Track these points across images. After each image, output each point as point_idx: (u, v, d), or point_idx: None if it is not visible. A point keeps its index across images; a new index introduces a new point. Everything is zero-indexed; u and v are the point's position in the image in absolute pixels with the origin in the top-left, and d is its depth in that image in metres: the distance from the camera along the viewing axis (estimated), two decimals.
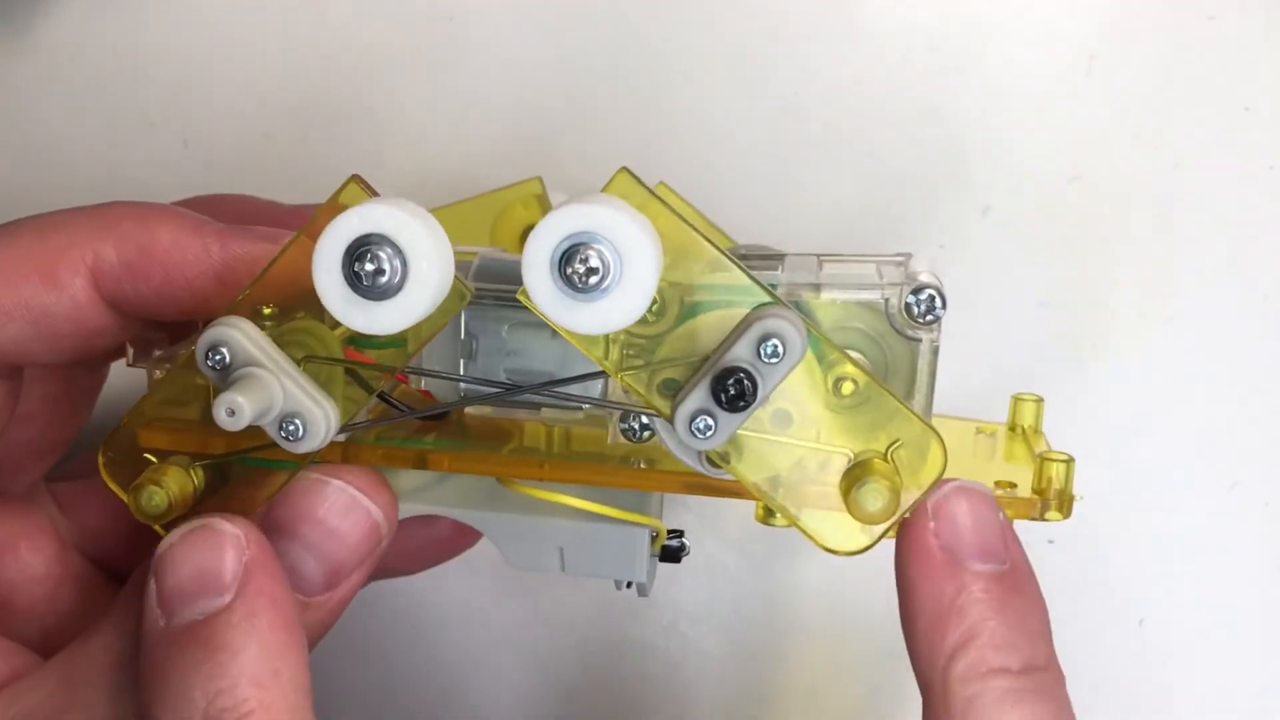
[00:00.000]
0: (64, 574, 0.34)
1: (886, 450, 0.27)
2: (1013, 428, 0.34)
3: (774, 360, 0.25)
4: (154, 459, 0.28)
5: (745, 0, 0.41)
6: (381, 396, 0.28)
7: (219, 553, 0.26)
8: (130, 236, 0.28)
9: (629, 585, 0.32)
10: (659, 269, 0.25)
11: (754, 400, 0.25)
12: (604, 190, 0.25)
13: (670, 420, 0.26)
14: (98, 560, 0.35)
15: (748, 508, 0.42)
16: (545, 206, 0.36)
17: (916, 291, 0.27)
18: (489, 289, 0.28)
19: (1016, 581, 0.27)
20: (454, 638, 0.43)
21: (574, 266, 0.24)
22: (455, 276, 0.26)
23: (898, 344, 0.28)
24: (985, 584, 0.27)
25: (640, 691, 0.43)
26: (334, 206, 0.26)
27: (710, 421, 0.25)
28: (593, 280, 0.24)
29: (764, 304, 0.26)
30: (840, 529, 0.27)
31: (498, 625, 0.43)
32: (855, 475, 0.26)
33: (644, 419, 0.29)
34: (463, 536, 0.36)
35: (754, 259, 0.30)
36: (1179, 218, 0.40)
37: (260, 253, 0.28)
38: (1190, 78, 0.40)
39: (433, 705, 0.44)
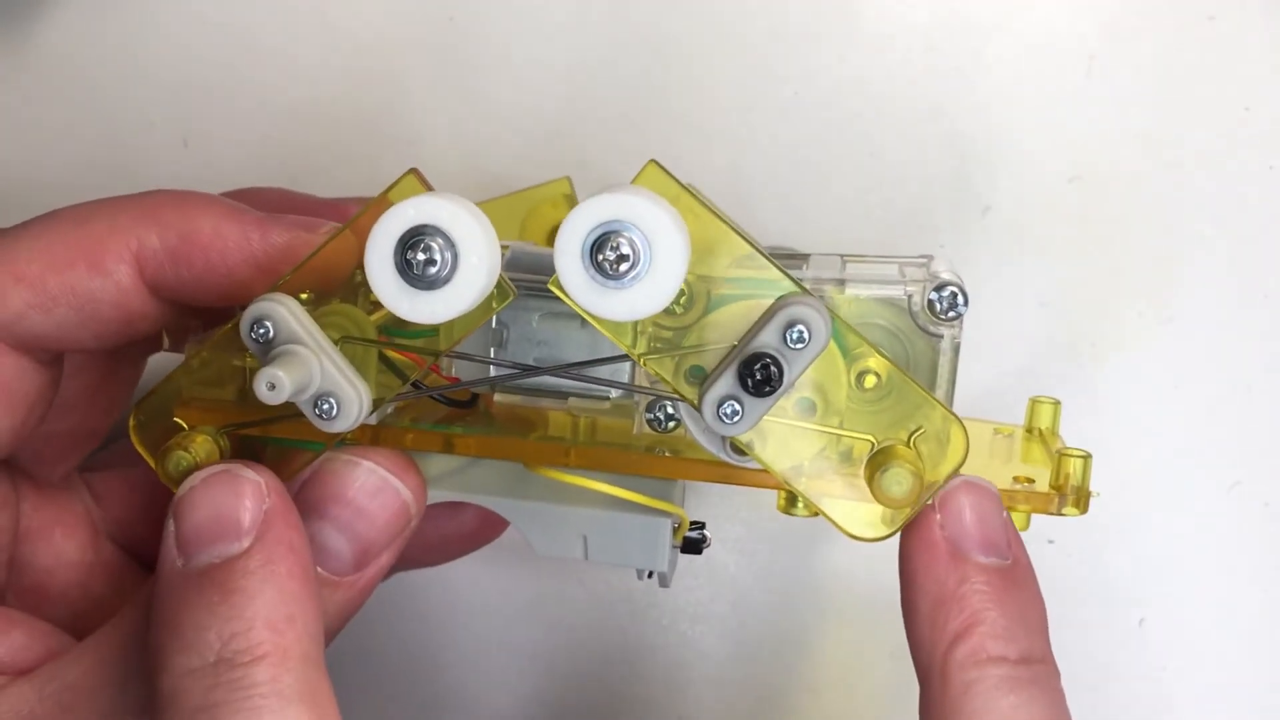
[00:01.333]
0: (96, 560, 0.34)
1: (909, 437, 0.27)
2: (1030, 429, 0.34)
3: (800, 346, 0.25)
4: (184, 425, 0.29)
5: (745, 0, 0.41)
6: (415, 385, 0.29)
7: (238, 498, 0.26)
8: (172, 224, 0.29)
9: (650, 575, 0.32)
10: (688, 257, 0.25)
11: (780, 385, 0.25)
12: (634, 181, 0.26)
13: (698, 406, 0.26)
14: (129, 548, 0.35)
15: (747, 509, 0.42)
16: (574, 206, 0.36)
17: (939, 289, 0.28)
18: (521, 279, 0.29)
19: (1018, 576, 0.28)
20: (453, 637, 0.43)
21: (605, 254, 0.24)
22: (500, 274, 0.26)
23: (919, 340, 0.29)
24: (988, 576, 0.27)
25: (640, 691, 0.43)
26: (385, 200, 0.26)
27: (737, 407, 0.26)
28: (623, 268, 0.25)
29: (790, 292, 0.26)
30: (863, 516, 0.28)
31: (498, 625, 0.43)
32: (879, 461, 0.27)
33: (669, 409, 0.29)
34: (486, 529, 0.36)
35: (779, 257, 0.31)
36: (1179, 218, 0.40)
37: (298, 241, 0.29)
38: (1190, 78, 0.40)
39: (433, 704, 0.44)
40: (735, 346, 0.26)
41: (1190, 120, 0.40)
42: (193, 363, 0.29)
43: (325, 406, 0.27)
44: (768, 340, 0.26)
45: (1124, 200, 0.41)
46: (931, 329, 0.28)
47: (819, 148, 0.41)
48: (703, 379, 0.27)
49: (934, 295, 0.28)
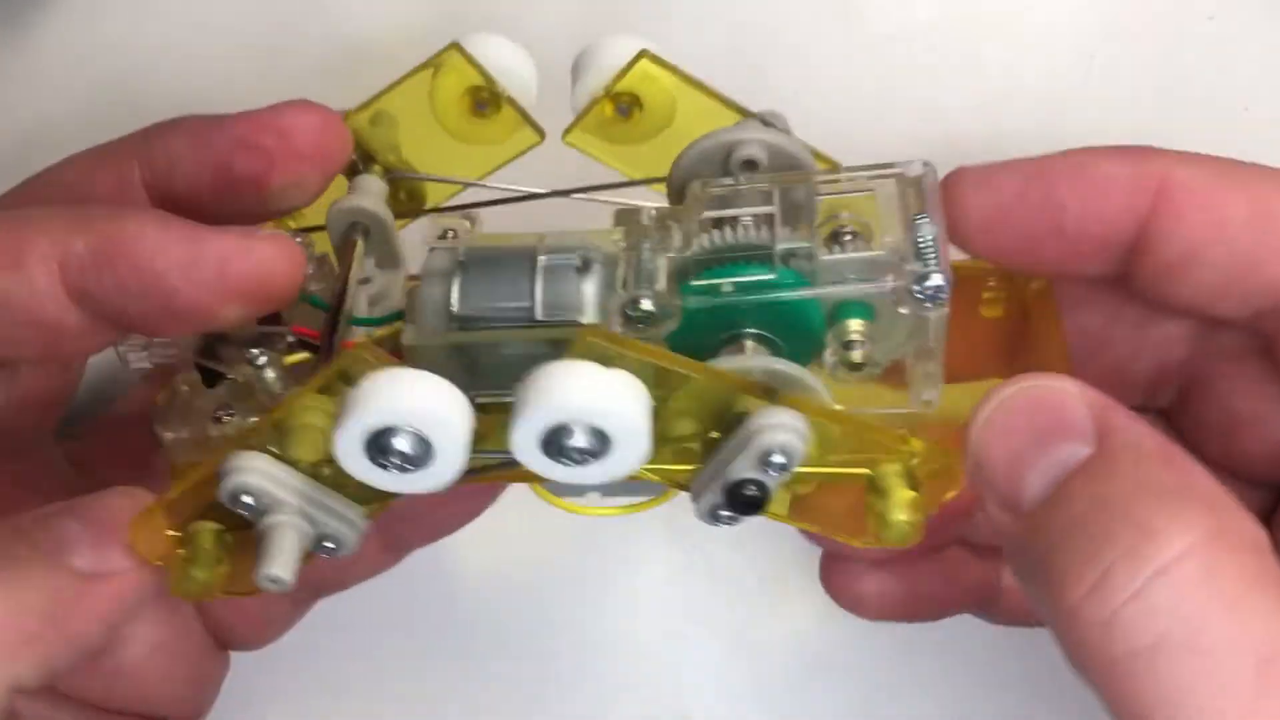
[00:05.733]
0: None
1: (905, 467, 0.26)
2: None
3: (781, 469, 0.25)
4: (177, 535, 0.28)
5: (745, 1, 0.41)
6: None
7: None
8: (101, 230, 0.28)
9: None
10: (649, 413, 0.25)
11: (768, 499, 0.25)
12: (568, 355, 0.25)
13: (693, 501, 0.27)
14: None
15: None
16: (472, 63, 0.34)
17: (920, 280, 0.27)
18: (484, 319, 0.28)
19: None
20: (451, 636, 0.43)
21: (565, 449, 0.24)
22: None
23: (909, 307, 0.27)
24: None
25: (641, 692, 0.43)
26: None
27: (731, 515, 0.26)
28: (588, 453, 0.25)
29: (764, 406, 0.25)
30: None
31: (496, 625, 0.43)
32: (877, 510, 0.26)
33: None
34: (472, 501, 0.36)
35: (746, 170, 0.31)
36: None
37: (230, 248, 0.28)
38: (1190, 78, 0.40)
39: (430, 703, 0.44)
40: (717, 442, 0.26)
41: (1190, 120, 0.40)
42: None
43: (329, 547, 0.27)
44: (746, 469, 0.25)
45: None
46: (918, 312, 0.27)
47: (818, 148, 0.41)
48: (688, 439, 0.26)
49: (916, 287, 0.27)
